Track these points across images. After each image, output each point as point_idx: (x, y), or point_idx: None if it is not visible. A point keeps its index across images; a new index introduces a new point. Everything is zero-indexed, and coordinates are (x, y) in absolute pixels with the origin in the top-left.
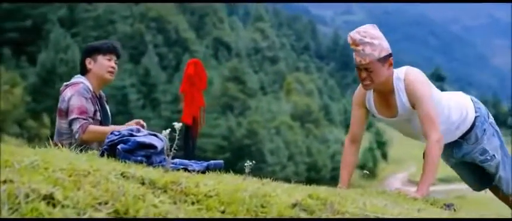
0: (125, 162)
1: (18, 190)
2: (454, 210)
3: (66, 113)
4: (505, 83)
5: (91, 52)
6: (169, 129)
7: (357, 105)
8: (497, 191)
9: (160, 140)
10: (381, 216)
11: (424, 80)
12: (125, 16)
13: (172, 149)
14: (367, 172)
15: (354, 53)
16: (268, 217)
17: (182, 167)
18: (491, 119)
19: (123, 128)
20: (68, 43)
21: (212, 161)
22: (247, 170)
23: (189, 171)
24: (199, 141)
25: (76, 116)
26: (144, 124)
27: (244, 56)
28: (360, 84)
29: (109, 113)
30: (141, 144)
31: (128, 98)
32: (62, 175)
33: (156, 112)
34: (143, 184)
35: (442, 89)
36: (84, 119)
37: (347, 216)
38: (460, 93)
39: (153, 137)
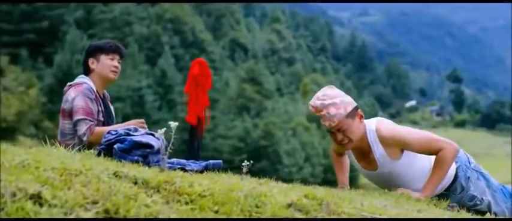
0: (121, 161)
1: (5, 189)
2: (458, 211)
3: (69, 113)
4: None
5: (94, 52)
6: (165, 128)
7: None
8: None
9: (157, 140)
10: (378, 216)
11: (396, 126)
12: (142, 17)
13: (168, 148)
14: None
15: (321, 121)
16: (262, 217)
17: (179, 166)
18: (473, 163)
19: (123, 127)
20: (85, 44)
21: (211, 161)
22: (244, 170)
23: (186, 171)
24: (215, 142)
25: (82, 117)
26: (145, 126)
27: (260, 57)
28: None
29: (113, 113)
30: (138, 143)
31: (144, 99)
32: (53, 174)
33: (173, 113)
34: (136, 183)
35: (459, 91)
36: (90, 121)
37: (343, 216)
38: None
39: (150, 136)
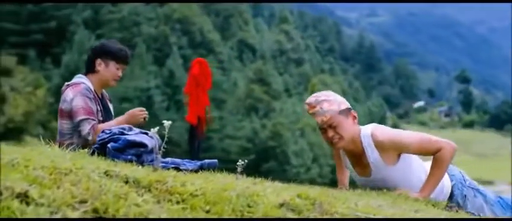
0: (114, 161)
1: None
2: (456, 211)
3: (68, 114)
4: None
5: (104, 54)
6: (158, 127)
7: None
8: None
9: (151, 139)
10: (372, 217)
11: (391, 130)
12: (150, 18)
13: (162, 147)
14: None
15: (314, 118)
16: (254, 217)
17: (173, 166)
18: (468, 181)
19: (124, 119)
20: (93, 45)
21: (206, 161)
22: (239, 169)
23: (180, 170)
24: (223, 143)
25: (84, 117)
26: (146, 113)
27: (269, 58)
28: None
29: (112, 112)
30: (132, 143)
31: (152, 99)
32: (42, 173)
33: (181, 113)
34: (127, 182)
35: (468, 91)
36: (93, 120)
37: (336, 216)
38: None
39: (144, 135)
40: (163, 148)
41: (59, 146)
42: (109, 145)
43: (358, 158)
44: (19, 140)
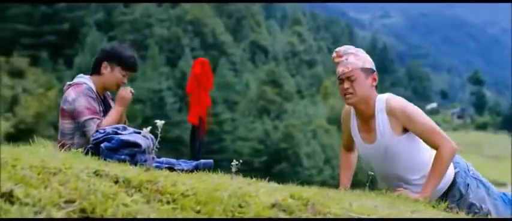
0: (107, 160)
1: None
2: (457, 212)
3: (70, 114)
4: None
5: (112, 58)
6: (150, 127)
7: (344, 129)
8: None
9: (145, 139)
10: (365, 217)
11: (410, 103)
12: (162, 19)
13: (154, 147)
14: (372, 173)
15: (337, 67)
16: (245, 217)
17: (168, 166)
18: (473, 171)
19: (116, 109)
20: (105, 46)
21: (202, 161)
22: (233, 169)
23: (174, 170)
24: (235, 144)
25: (90, 116)
26: (132, 91)
27: (281, 60)
28: (343, 110)
29: None
30: (125, 142)
31: (164, 101)
32: (30, 173)
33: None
34: (117, 182)
35: (481, 93)
36: (98, 119)
37: (329, 217)
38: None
39: (137, 135)
40: (156, 147)
41: (60, 146)
42: (102, 145)
43: (366, 121)
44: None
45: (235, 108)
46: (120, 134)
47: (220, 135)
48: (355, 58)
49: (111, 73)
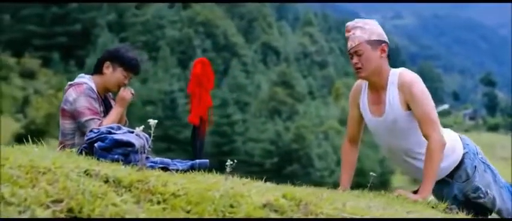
0: (100, 160)
1: None
2: (457, 212)
3: (71, 114)
4: None
5: (115, 59)
6: (143, 126)
7: (352, 105)
8: None
9: (139, 138)
10: (358, 217)
11: (421, 81)
12: (174, 21)
13: (147, 147)
14: (374, 174)
15: (347, 42)
16: (235, 217)
17: (162, 165)
18: (481, 155)
19: (117, 109)
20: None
21: (197, 160)
22: (228, 169)
23: (169, 170)
24: (246, 145)
25: (91, 117)
26: (132, 91)
27: (292, 61)
28: (356, 84)
29: None
30: (119, 142)
31: (176, 102)
32: (18, 172)
33: None
34: (107, 182)
35: (493, 94)
36: (99, 119)
37: (321, 217)
38: (449, 129)
39: (131, 134)
40: (149, 147)
41: (61, 146)
42: (96, 145)
43: (378, 93)
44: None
45: (247, 110)
46: (114, 133)
47: (231, 136)
48: (361, 31)
49: (112, 73)
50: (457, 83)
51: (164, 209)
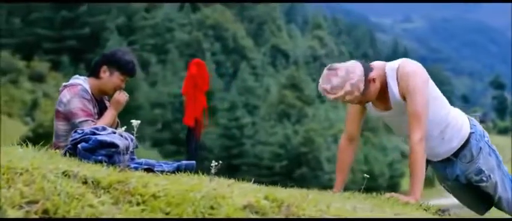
0: (82, 161)
1: None
2: (449, 215)
3: (64, 116)
4: None
5: (112, 63)
6: (125, 127)
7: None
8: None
9: (124, 139)
10: (342, 218)
11: (420, 73)
12: (183, 24)
13: (130, 148)
14: (368, 176)
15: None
16: (215, 218)
17: (146, 167)
18: (487, 138)
19: (110, 112)
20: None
21: (183, 162)
22: (213, 170)
23: (153, 171)
24: (255, 148)
25: (84, 118)
26: (125, 96)
27: (302, 64)
28: None
29: None
30: (102, 143)
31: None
32: None
33: (213, 119)
34: (86, 183)
35: (503, 97)
36: (92, 121)
37: (303, 218)
38: (457, 109)
39: (115, 135)
40: (132, 148)
41: (55, 148)
42: (79, 146)
43: (381, 90)
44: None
45: (256, 113)
46: (98, 134)
47: (240, 139)
48: (350, 92)
49: (109, 77)
50: (466, 86)
51: (143, 210)
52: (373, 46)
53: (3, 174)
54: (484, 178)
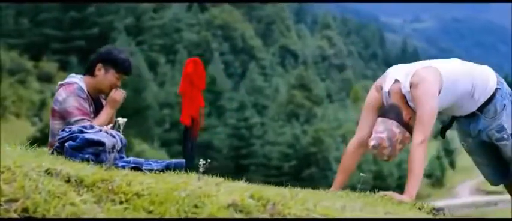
0: (69, 159)
1: None
2: (443, 214)
3: (60, 114)
4: None
5: (107, 61)
6: (111, 125)
7: (372, 109)
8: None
9: (111, 137)
10: (326, 218)
11: (428, 80)
12: (191, 24)
13: (120, 146)
14: (364, 174)
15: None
16: (198, 217)
17: (134, 165)
18: None
19: (107, 110)
20: (132, 51)
21: (173, 160)
22: (201, 169)
23: (141, 170)
24: (264, 149)
25: (80, 117)
26: (122, 93)
27: (310, 64)
28: (374, 86)
29: None
30: (90, 141)
31: None
32: None
33: (222, 119)
34: (68, 181)
35: None
36: (88, 120)
37: (288, 217)
38: (485, 66)
39: (103, 133)
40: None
41: (50, 147)
42: (66, 144)
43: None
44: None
45: (265, 113)
46: (85, 132)
47: (249, 139)
48: (389, 150)
49: (104, 76)
50: None
51: (125, 209)
52: (382, 46)
53: None
54: (505, 136)
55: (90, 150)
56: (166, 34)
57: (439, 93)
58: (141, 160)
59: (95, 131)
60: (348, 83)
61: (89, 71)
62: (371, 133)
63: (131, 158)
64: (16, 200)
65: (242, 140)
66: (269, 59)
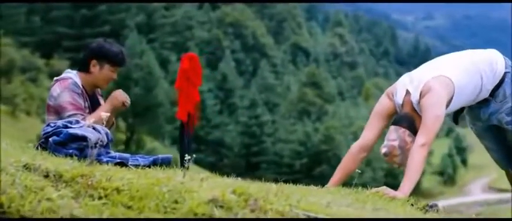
0: (52, 154)
1: None
2: (437, 211)
3: (55, 110)
4: None
5: (101, 57)
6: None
7: (381, 116)
8: None
9: (96, 133)
10: (312, 215)
11: (438, 88)
12: (203, 22)
13: (105, 142)
14: (360, 171)
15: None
16: (178, 212)
17: (120, 161)
18: None
19: (106, 106)
20: (144, 49)
21: (160, 156)
22: (186, 164)
23: (127, 166)
24: (275, 146)
25: (73, 112)
26: (127, 100)
27: (322, 62)
28: (386, 94)
29: None
30: (74, 136)
31: (205, 103)
32: None
33: (233, 117)
34: (47, 176)
35: None
36: (82, 115)
37: (270, 214)
38: (494, 50)
39: (88, 129)
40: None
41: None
42: (50, 139)
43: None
44: None
45: (276, 110)
46: (70, 127)
47: (260, 137)
48: (399, 157)
49: (100, 71)
50: None
51: (104, 204)
52: (394, 43)
53: None
54: None
55: (74, 145)
56: (178, 32)
57: (451, 99)
58: (127, 155)
59: (80, 126)
60: (359, 81)
61: (83, 68)
62: (375, 140)
63: (117, 154)
64: None
65: (253, 138)
66: (280, 56)
